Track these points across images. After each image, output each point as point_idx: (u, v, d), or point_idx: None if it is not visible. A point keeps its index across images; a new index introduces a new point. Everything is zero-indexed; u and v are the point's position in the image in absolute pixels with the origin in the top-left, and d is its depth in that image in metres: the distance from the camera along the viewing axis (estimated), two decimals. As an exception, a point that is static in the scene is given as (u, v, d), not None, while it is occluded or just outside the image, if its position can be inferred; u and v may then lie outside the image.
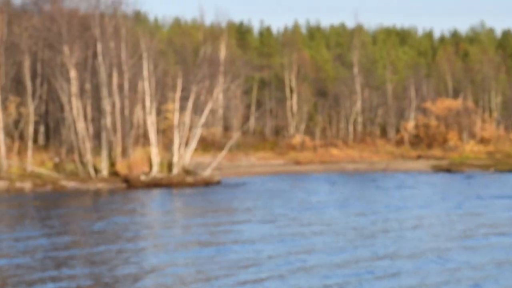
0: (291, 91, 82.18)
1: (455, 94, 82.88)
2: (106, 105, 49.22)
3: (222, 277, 16.48)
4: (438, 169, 63.72)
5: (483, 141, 76.86)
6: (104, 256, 19.72)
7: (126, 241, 22.36)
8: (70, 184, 46.16)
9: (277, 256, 19.31)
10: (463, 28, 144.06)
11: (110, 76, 49.89)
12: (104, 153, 48.60)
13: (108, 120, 49.15)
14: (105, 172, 48.29)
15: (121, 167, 48.52)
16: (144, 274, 16.81)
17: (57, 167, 48.89)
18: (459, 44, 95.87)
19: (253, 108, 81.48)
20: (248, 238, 23.09)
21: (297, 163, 68.61)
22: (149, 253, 19.78)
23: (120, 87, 50.40)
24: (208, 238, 23.05)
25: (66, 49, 48.79)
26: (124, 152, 49.69)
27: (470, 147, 74.51)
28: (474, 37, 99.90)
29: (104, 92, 49.26)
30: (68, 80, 48.93)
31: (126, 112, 50.81)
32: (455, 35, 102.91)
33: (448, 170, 62.91)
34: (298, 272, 17.19)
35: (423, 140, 77.43)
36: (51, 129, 54.04)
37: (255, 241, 22.37)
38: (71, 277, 16.49)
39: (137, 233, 24.43)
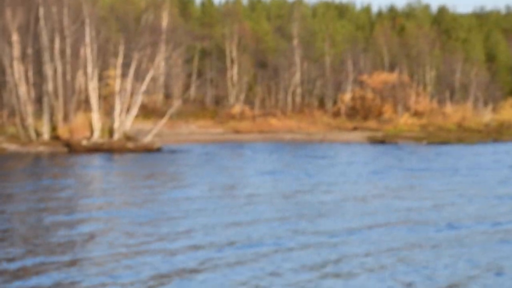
0: (232, 61, 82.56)
1: (391, 68, 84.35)
2: (48, 70, 48.93)
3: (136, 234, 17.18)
4: (372, 141, 64.96)
5: (417, 114, 78.53)
6: (23, 213, 20.31)
7: (52, 200, 23.05)
8: (11, 147, 45.93)
9: (200, 211, 20.07)
10: (400, 3, 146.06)
11: (52, 41, 49.56)
12: (46, 117, 48.44)
13: (50, 85, 48.90)
14: (46, 136, 48.17)
15: (62, 132, 48.43)
16: (57, 226, 17.63)
17: (-3, 129, 48.57)
18: (396, 19, 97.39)
19: (194, 77, 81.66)
20: (175, 198, 23.76)
21: (236, 132, 69.22)
22: (72, 210, 20.61)
23: (62, 52, 50.12)
24: (135, 200, 23.61)
25: (8, 12, 48.24)
26: (66, 117, 49.56)
27: (404, 120, 76.07)
28: (410, 13, 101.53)
29: (46, 56, 48.97)
30: (10, 43, 48.47)
31: (68, 77, 50.58)
32: (392, 10, 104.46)
33: (382, 141, 64.23)
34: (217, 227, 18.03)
35: (359, 112, 78.73)
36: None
37: (180, 200, 23.05)
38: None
39: (66, 193, 25.07)
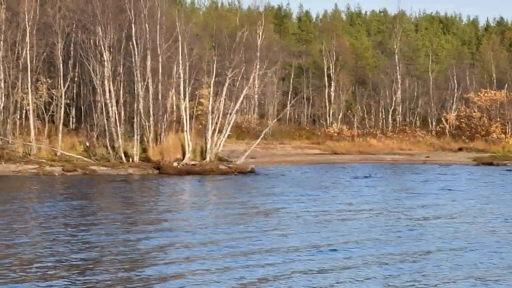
0: (329, 78, 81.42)
1: (499, 85, 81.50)
2: (139, 89, 48.86)
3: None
4: (479, 162, 62.47)
5: (527, 134, 75.52)
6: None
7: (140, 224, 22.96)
8: (101, 169, 45.92)
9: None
10: (510, 16, 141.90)
11: (144, 59, 49.51)
12: (136, 138, 48.30)
13: (141, 105, 48.79)
14: (136, 157, 47.99)
15: (153, 153, 48.16)
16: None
17: (87, 151, 48.72)
18: (505, 33, 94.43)
19: (290, 95, 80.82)
20: (268, 228, 22.81)
21: (334, 152, 67.89)
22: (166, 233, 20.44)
23: (154, 71, 50.02)
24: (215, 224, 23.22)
25: (100, 30, 48.55)
26: (157, 138, 49.37)
27: (514, 140, 73.24)
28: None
29: (138, 75, 48.88)
30: (101, 62, 48.71)
31: (160, 96, 50.46)
32: (500, 23, 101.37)
33: (490, 163, 61.59)
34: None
35: (465, 132, 76.24)
36: (82, 112, 53.98)
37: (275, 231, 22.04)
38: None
39: (155, 216, 24.77)
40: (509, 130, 75.49)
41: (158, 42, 49.85)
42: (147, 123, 48.94)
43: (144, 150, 48.67)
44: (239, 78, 51.45)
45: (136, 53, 48.85)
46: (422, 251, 19.13)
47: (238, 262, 17.42)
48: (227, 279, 15.64)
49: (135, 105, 49.02)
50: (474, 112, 77.15)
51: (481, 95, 77.54)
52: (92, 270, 16.15)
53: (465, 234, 22.13)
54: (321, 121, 79.76)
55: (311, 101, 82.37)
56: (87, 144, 49.38)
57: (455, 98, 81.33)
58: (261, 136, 53.06)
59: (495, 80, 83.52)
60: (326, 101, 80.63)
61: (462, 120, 77.52)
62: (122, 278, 15.39)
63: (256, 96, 66.30)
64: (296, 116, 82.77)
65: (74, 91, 54.59)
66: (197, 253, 18.54)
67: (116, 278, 15.32)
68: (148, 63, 49.54)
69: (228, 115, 50.58)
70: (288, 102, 74.04)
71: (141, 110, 48.75)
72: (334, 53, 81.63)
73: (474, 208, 29.51)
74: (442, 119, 78.99)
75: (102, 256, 17.65)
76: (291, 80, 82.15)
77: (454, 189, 37.83)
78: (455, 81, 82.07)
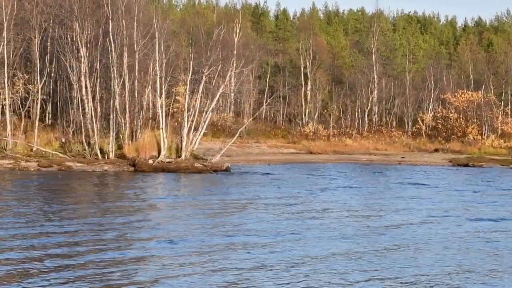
0: (306, 77, 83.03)
1: (476, 86, 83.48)
2: (116, 86, 50.06)
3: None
4: (455, 163, 64.17)
5: (504, 135, 77.40)
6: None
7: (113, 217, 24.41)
8: (76, 165, 47.12)
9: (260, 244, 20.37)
10: (488, 17, 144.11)
11: (120, 56, 50.67)
12: (112, 134, 49.51)
13: (117, 101, 50.00)
14: (112, 154, 49.23)
15: (128, 150, 49.35)
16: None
17: (63, 147, 49.93)
18: (483, 34, 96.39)
19: (266, 94, 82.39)
20: (245, 227, 24.03)
21: (310, 152, 69.41)
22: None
23: (131, 67, 51.22)
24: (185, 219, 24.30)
25: (77, 26, 49.71)
26: (132, 135, 50.59)
27: (490, 142, 75.06)
28: (498, 27, 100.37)
29: (114, 72, 50.08)
30: (77, 58, 49.86)
31: (136, 93, 51.69)
32: (479, 24, 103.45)
33: (465, 165, 63.34)
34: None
35: (441, 133, 78.06)
36: (59, 108, 55.15)
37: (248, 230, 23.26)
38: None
39: (126, 213, 25.95)
40: (485, 131, 77.40)
41: (135, 39, 51.07)
42: (123, 120, 50.17)
43: (119, 147, 49.84)
44: (216, 76, 52.63)
45: (113, 50, 50.01)
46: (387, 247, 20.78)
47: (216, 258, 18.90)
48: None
49: (111, 101, 50.24)
50: (451, 113, 79.01)
51: (458, 96, 79.41)
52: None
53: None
54: (297, 120, 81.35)
55: (287, 100, 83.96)
56: (63, 140, 50.61)
57: (431, 99, 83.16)
58: (237, 135, 54.25)
59: (472, 81, 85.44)
60: (302, 100, 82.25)
61: (438, 121, 79.34)
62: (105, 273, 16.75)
63: (232, 94, 67.62)
64: (272, 115, 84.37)
65: (51, 86, 55.79)
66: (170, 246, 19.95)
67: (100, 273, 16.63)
68: (125, 59, 50.70)
69: (204, 113, 51.81)
70: (264, 101, 75.60)
71: (117, 107, 49.97)
72: (311, 52, 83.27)
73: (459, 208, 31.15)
74: (419, 119, 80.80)
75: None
76: (268, 79, 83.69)
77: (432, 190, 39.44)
78: (432, 82, 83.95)
